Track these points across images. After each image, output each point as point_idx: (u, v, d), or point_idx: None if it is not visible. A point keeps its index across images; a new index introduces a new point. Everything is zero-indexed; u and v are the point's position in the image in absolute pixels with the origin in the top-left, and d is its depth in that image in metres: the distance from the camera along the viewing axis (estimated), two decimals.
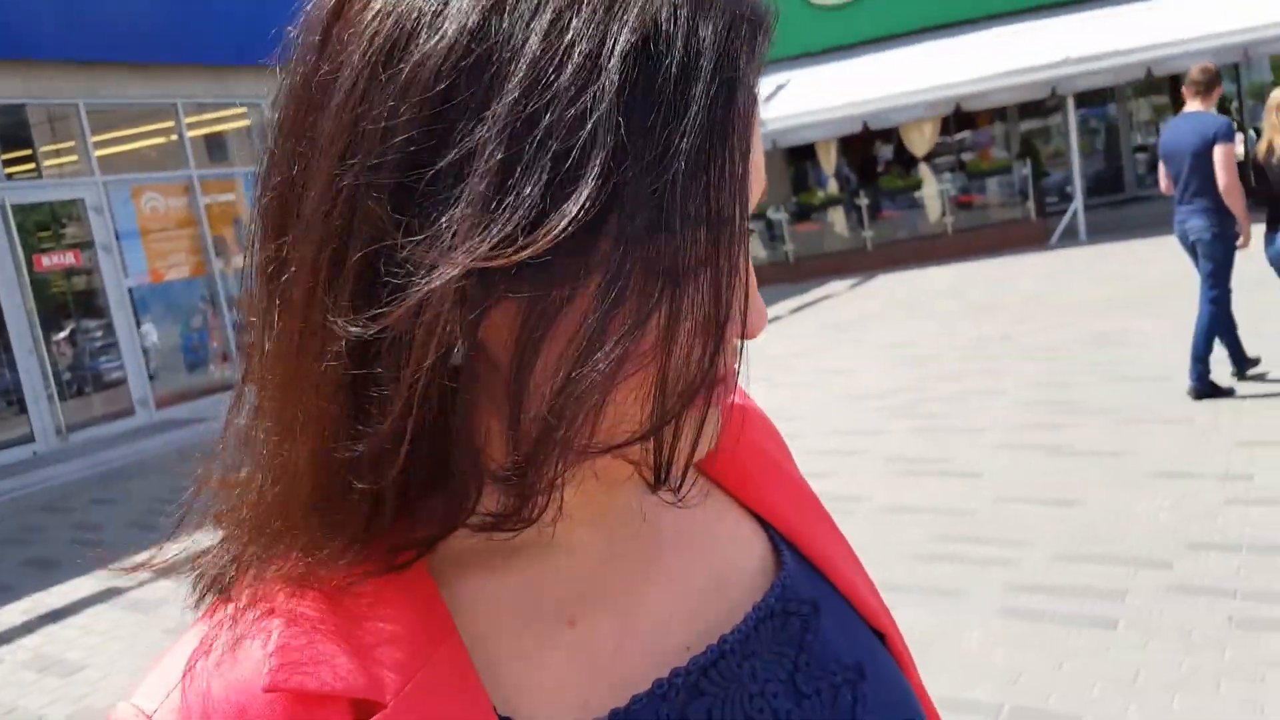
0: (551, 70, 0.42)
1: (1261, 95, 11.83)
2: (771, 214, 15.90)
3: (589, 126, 0.42)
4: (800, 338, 10.27)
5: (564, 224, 0.42)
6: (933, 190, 15.64)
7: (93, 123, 10.29)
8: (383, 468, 0.47)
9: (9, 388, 9.54)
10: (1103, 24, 13.72)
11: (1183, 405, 5.62)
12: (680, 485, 0.51)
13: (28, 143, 10.27)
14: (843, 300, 12.79)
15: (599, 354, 0.43)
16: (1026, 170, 14.87)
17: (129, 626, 5.09)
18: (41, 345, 9.69)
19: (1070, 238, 13.86)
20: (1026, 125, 18.03)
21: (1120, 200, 17.22)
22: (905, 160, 16.71)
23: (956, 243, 14.76)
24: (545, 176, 0.42)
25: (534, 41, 0.43)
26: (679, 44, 0.44)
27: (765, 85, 15.26)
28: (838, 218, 16.30)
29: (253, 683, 0.49)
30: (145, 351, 10.66)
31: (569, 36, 0.43)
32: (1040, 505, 4.58)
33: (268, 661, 0.49)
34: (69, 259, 10.20)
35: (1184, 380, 5.85)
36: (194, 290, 11.36)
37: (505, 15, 0.44)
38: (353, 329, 0.44)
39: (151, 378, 10.68)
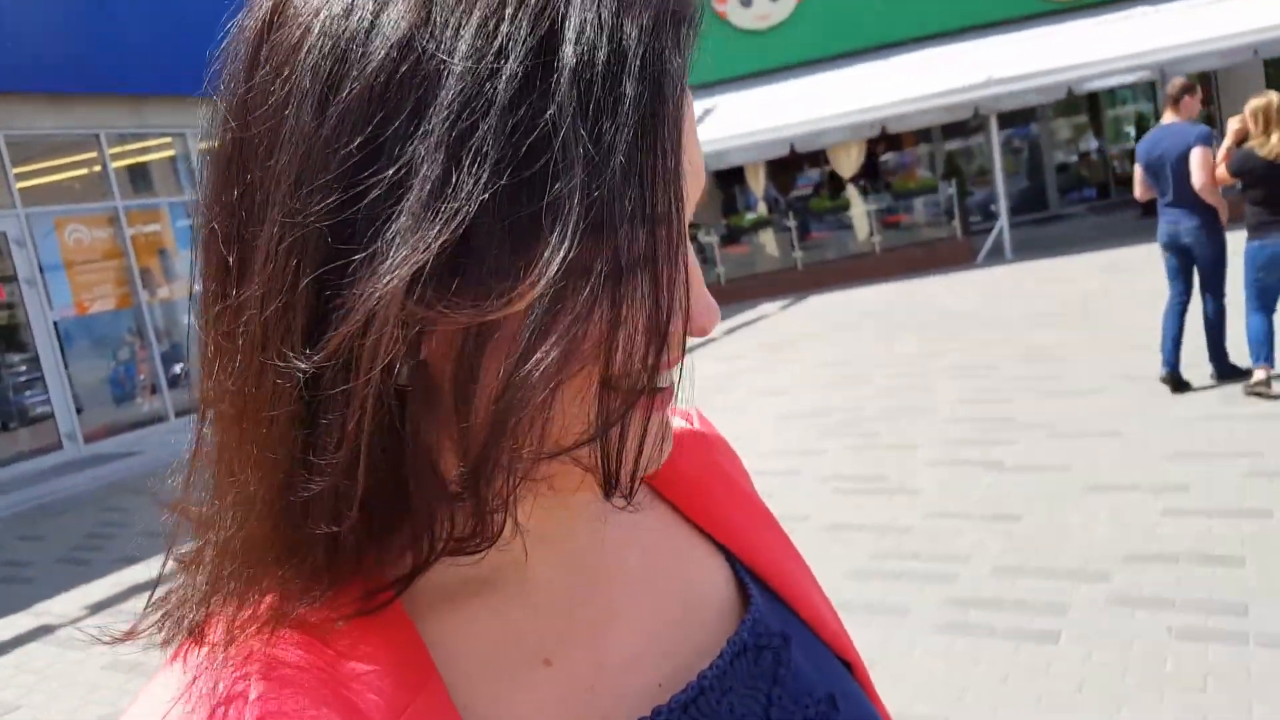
0: (484, 79, 0.42)
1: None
2: (702, 236, 16.05)
3: (522, 133, 0.42)
4: (734, 358, 10.35)
5: (501, 230, 0.42)
6: (860, 210, 15.93)
7: (13, 154, 10.08)
8: (340, 506, 0.46)
9: None
10: (1024, 46, 14.17)
11: (1114, 419, 5.77)
12: (631, 492, 0.50)
13: None
14: (775, 321, 12.93)
15: (538, 355, 0.43)
16: (952, 190, 15.23)
17: (65, 663, 4.96)
18: None
19: (996, 256, 14.20)
20: (951, 145, 18.48)
21: (1044, 218, 17.72)
22: (833, 182, 17.01)
23: (885, 262, 15.03)
24: (482, 185, 0.42)
25: (463, 50, 0.43)
26: (605, 43, 0.44)
27: (694, 109, 15.61)
28: (768, 239, 16.52)
29: None
30: (71, 385, 10.44)
31: (497, 43, 0.43)
32: (978, 520, 4.65)
33: (252, 706, 0.47)
34: None
35: (1115, 394, 6.01)
36: (121, 322, 11.18)
37: (432, 27, 0.43)
38: (298, 362, 0.44)
39: (79, 411, 10.48)
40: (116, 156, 11.11)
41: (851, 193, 16.22)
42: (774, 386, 8.60)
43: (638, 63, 0.44)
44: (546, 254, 0.42)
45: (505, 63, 0.43)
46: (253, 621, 0.50)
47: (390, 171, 0.42)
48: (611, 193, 0.43)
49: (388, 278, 0.42)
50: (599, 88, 0.43)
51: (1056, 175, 18.69)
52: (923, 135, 17.68)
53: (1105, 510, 4.48)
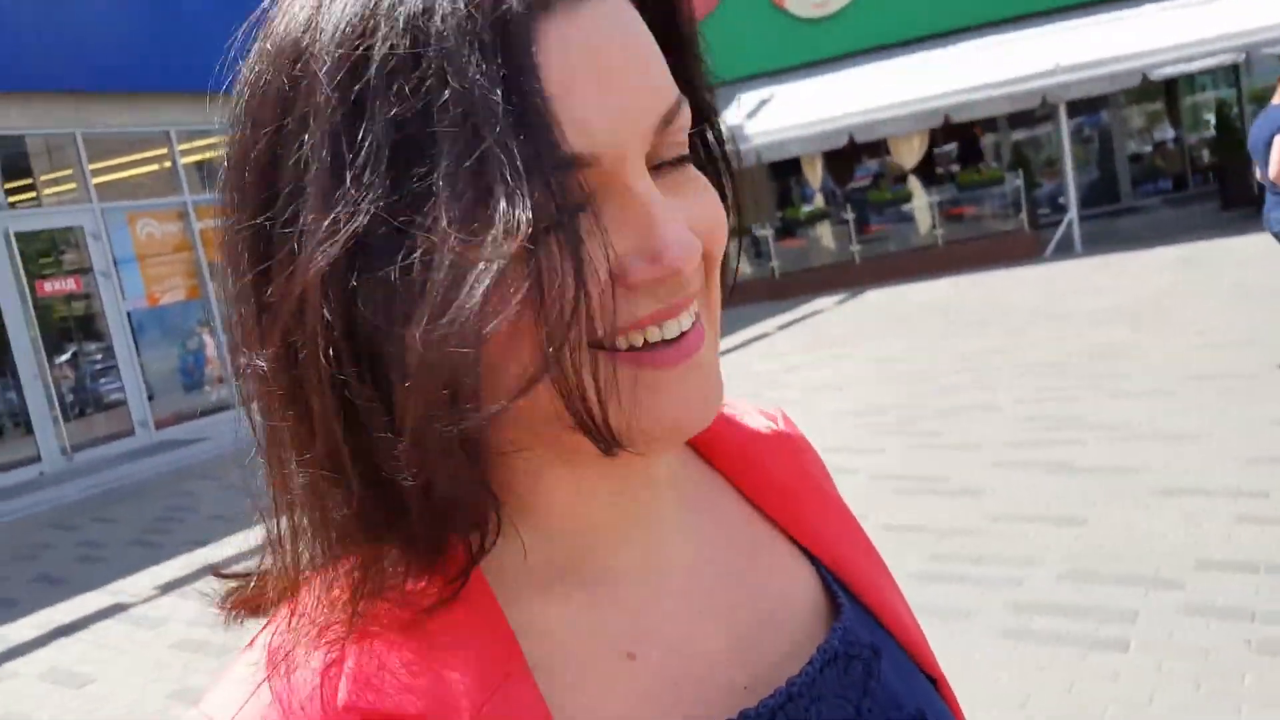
0: (352, 72, 0.45)
1: (1263, 99, 11.79)
2: (757, 230, 15.91)
3: (389, 121, 0.45)
4: (788, 354, 10.26)
5: (400, 197, 0.44)
6: (922, 203, 15.68)
7: (89, 151, 10.45)
8: (352, 489, 0.49)
9: (15, 410, 9.81)
10: (1094, 31, 13.79)
11: (1188, 420, 5.60)
12: (616, 446, 0.49)
13: (28, 172, 10.50)
14: (830, 316, 12.79)
15: (448, 316, 0.44)
16: (1019, 181, 14.91)
17: (136, 641, 5.13)
18: (45, 369, 9.89)
19: (1065, 250, 13.89)
20: (1018, 135, 18.10)
21: (1116, 210, 17.27)
22: (894, 174, 16.77)
23: (947, 256, 14.78)
24: (385, 162, 0.44)
25: (332, 44, 0.46)
26: (449, 10, 0.45)
27: (748, 101, 15.45)
28: (824, 232, 16.33)
29: (328, 700, 0.49)
30: (143, 373, 10.80)
31: (364, 44, 0.45)
32: (1044, 524, 4.55)
33: (343, 680, 0.49)
34: (70, 284, 10.44)
35: (1189, 394, 5.83)
36: (190, 313, 11.58)
37: (314, 28, 0.47)
38: (258, 360, 0.48)
39: (150, 399, 10.82)
40: (186, 152, 11.43)
41: (913, 184, 15.96)
42: (829, 383, 8.51)
43: (485, 18, 0.45)
44: (442, 224, 0.44)
45: (371, 54, 0.45)
46: (339, 600, 0.51)
47: (291, 168, 0.47)
48: (492, 146, 0.43)
49: (305, 270, 0.45)
50: (451, 54, 0.44)
51: (1130, 166, 18.20)
52: (988, 125, 17.34)
53: (1178, 515, 4.36)
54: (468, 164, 0.44)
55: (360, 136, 0.45)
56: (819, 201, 16.78)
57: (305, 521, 0.51)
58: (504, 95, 0.44)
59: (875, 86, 14.52)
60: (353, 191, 0.45)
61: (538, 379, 0.46)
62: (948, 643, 3.59)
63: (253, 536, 0.56)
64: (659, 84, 0.50)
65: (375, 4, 0.46)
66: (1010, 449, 5.73)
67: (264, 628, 0.54)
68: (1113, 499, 4.69)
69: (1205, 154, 17.61)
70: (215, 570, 0.57)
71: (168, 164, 11.29)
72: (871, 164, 17.94)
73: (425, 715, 0.48)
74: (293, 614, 0.53)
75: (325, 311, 0.46)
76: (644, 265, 0.48)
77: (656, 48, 0.51)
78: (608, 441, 0.49)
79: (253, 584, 0.55)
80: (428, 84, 0.44)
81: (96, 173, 10.54)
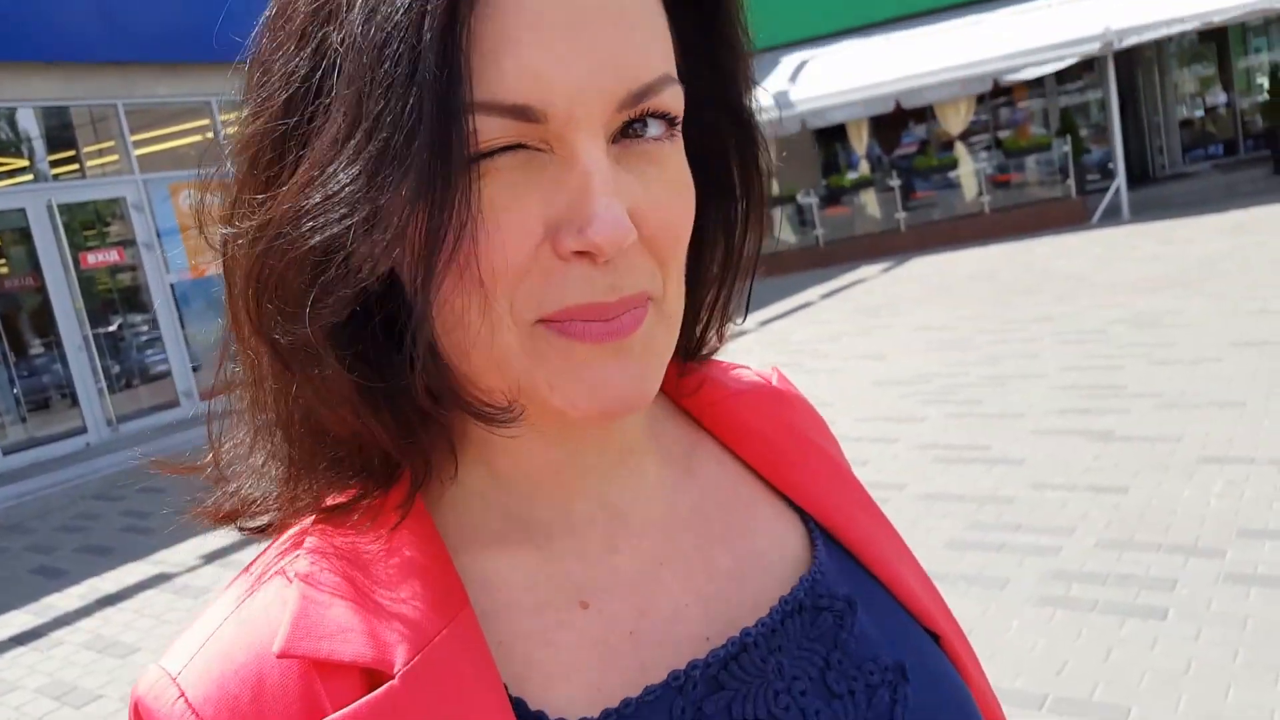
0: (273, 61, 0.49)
1: None
2: (801, 198, 15.74)
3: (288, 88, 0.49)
4: (831, 323, 10.18)
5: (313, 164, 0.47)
6: (969, 169, 15.41)
7: (131, 122, 10.51)
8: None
9: (61, 382, 9.91)
10: None
11: (1233, 388, 5.49)
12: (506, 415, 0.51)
13: (71, 143, 10.55)
14: (875, 284, 12.66)
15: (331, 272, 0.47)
16: (1066, 147, 14.59)
17: (179, 610, 5.23)
18: (90, 341, 9.99)
19: (1113, 216, 13.62)
20: (1066, 100, 17.70)
21: (1166, 176, 16.87)
22: (940, 140, 16.48)
23: (994, 223, 14.55)
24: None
25: (266, 44, 0.51)
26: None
27: (787, 64, 15.27)
28: (869, 200, 16.10)
29: (269, 648, 0.50)
30: (187, 344, 10.94)
31: (287, 41, 0.49)
32: (1083, 492, 4.49)
33: (284, 628, 0.50)
34: (113, 256, 10.51)
35: (1234, 362, 5.70)
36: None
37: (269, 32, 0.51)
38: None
39: (195, 370, 10.96)
40: (228, 123, 11.46)
41: (960, 150, 15.68)
42: (872, 351, 8.44)
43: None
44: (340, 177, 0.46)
45: (302, 51, 0.48)
46: (301, 534, 0.54)
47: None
48: (395, 129, 0.44)
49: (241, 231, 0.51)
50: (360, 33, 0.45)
51: (1180, 131, 17.73)
52: (1035, 90, 16.96)
53: (1220, 483, 4.28)
54: (367, 114, 0.45)
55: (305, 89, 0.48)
56: (864, 168, 16.54)
57: (264, 460, 0.55)
58: (419, 41, 0.44)
59: (922, 51, 14.25)
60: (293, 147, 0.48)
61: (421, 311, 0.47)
62: (985, 610, 3.57)
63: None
64: (637, 57, 0.48)
65: None
66: (1052, 417, 5.66)
67: (229, 582, 0.56)
68: (1155, 467, 4.61)
69: (1258, 118, 17.10)
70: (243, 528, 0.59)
71: (210, 135, 11.35)
72: (918, 130, 17.63)
73: (361, 660, 0.49)
74: (240, 574, 0.55)
75: (258, 269, 0.49)
76: (572, 235, 0.47)
77: (656, 22, 0.50)
78: (519, 395, 0.51)
79: (221, 492, 0.60)
80: (354, 33, 0.45)
81: (139, 144, 10.60)
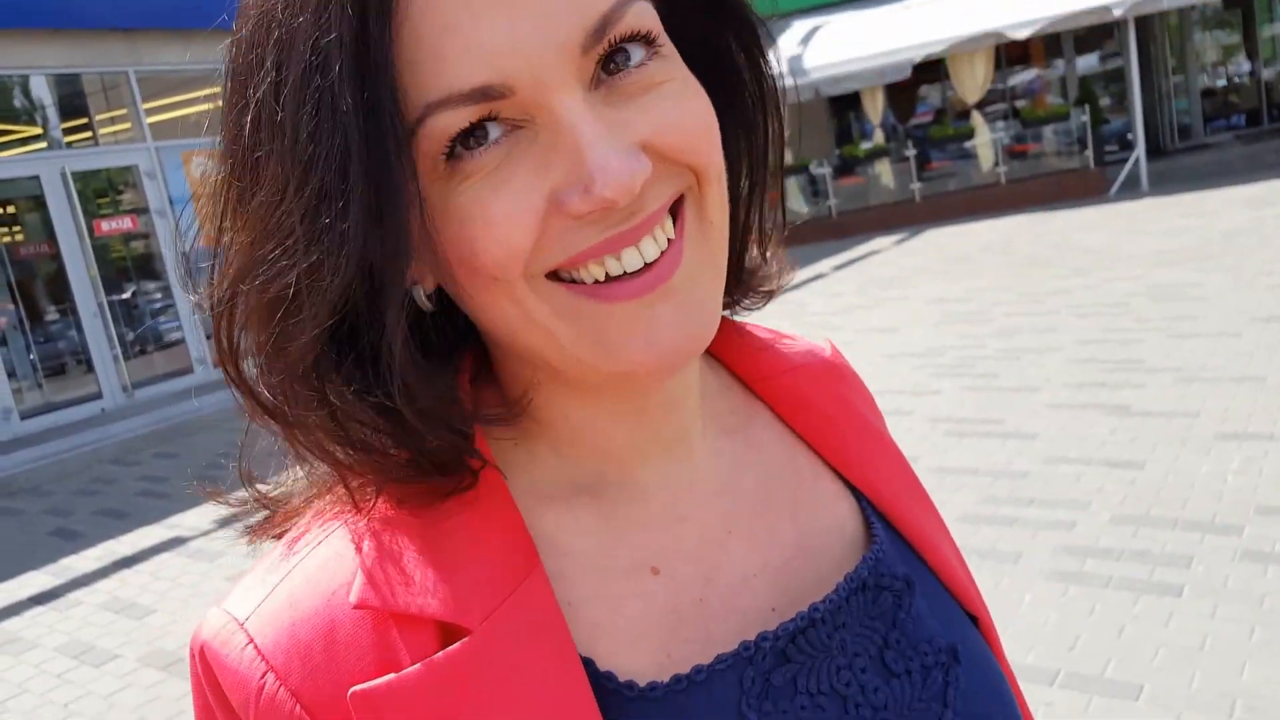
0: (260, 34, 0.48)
1: None
2: (814, 168, 15.59)
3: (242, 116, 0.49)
4: (843, 295, 10.12)
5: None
6: (985, 139, 15.23)
7: (143, 90, 10.51)
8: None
9: (77, 349, 10.01)
10: None
11: (1252, 364, 5.43)
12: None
13: (84, 111, 10.60)
14: (889, 255, 12.57)
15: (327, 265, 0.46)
16: (1085, 117, 14.40)
17: (194, 574, 5.29)
18: (105, 308, 10.06)
19: (1132, 188, 13.46)
20: (1085, 68, 17.46)
21: (1187, 147, 16.65)
22: (956, 109, 16.29)
23: (1010, 194, 14.40)
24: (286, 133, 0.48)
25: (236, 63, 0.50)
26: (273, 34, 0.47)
27: (799, 29, 15.08)
28: (884, 170, 15.94)
29: (342, 598, 0.50)
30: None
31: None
32: (1099, 467, 4.46)
33: (358, 578, 0.50)
34: (126, 224, 10.57)
35: (1253, 337, 5.64)
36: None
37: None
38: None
39: (208, 337, 11.02)
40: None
41: (976, 120, 15.49)
42: (885, 324, 8.39)
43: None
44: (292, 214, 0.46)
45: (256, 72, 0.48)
46: (356, 494, 0.53)
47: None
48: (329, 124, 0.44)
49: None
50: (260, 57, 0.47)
51: (1202, 101, 17.48)
52: (1053, 58, 16.72)
53: (1238, 460, 4.24)
54: (314, 124, 0.45)
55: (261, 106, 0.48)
56: (879, 138, 16.36)
57: (322, 435, 0.52)
58: (350, 54, 0.44)
59: (940, 15, 14.04)
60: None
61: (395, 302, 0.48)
62: (998, 584, 3.56)
63: (301, 472, 0.58)
64: None
65: None
66: (1068, 391, 5.62)
67: (285, 535, 0.56)
68: (1171, 442, 4.57)
69: None
70: (258, 497, 0.59)
71: (220, 103, 11.36)
72: (934, 99, 17.43)
73: (436, 616, 0.49)
74: (310, 520, 0.55)
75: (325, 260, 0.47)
76: (578, 197, 0.46)
77: None
78: (577, 368, 0.50)
79: (276, 511, 0.58)
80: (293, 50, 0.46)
81: (150, 111, 10.61)
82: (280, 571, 0.53)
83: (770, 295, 0.67)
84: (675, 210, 0.51)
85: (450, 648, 0.49)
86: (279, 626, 0.51)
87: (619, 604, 0.55)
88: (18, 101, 9.98)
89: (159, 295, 10.79)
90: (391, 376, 0.48)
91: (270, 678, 0.50)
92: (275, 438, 0.55)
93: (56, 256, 9.82)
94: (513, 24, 0.45)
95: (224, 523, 6.12)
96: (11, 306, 9.60)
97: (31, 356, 9.76)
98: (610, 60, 0.48)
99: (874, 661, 0.58)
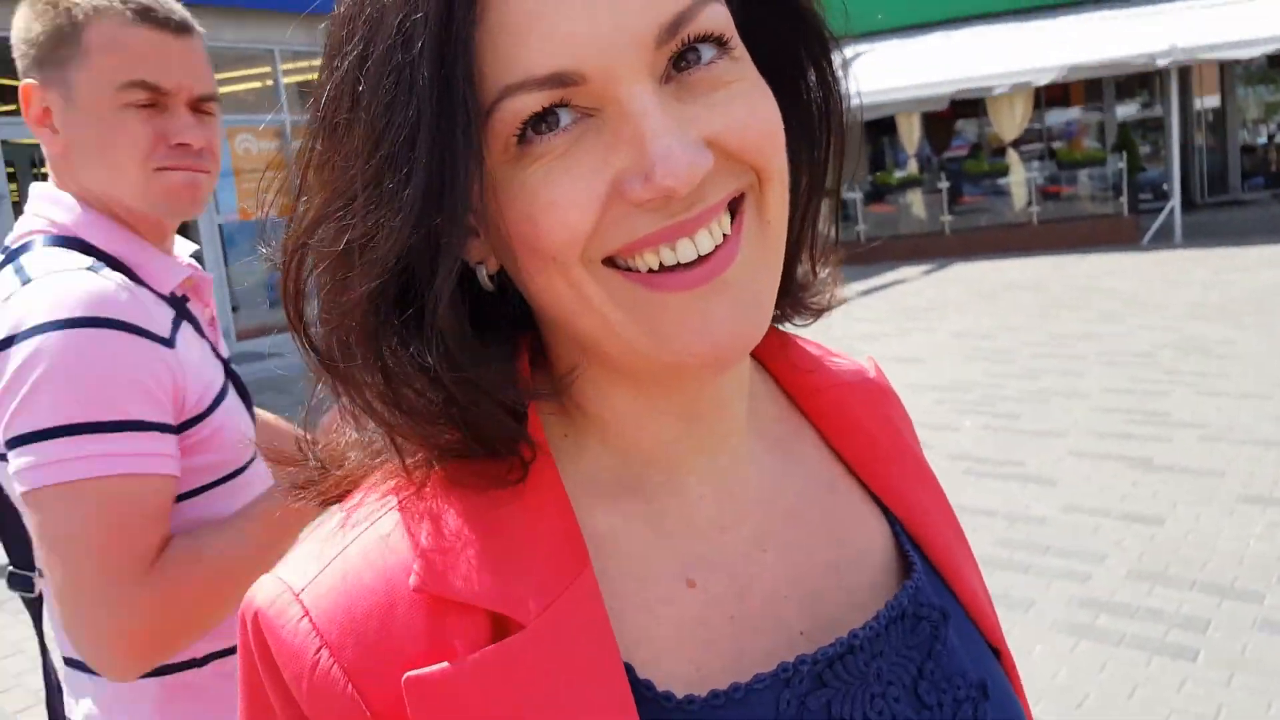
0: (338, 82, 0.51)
1: None
2: (845, 192, 15.49)
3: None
4: (867, 322, 10.05)
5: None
6: (1019, 177, 15.16)
7: None
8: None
9: None
10: (1211, 12, 13.05)
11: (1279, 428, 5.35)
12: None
13: None
14: (916, 286, 12.50)
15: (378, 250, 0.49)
16: (1121, 164, 14.32)
17: None
18: None
19: (1164, 238, 13.35)
20: (1124, 114, 17.38)
21: (1223, 202, 16.53)
22: (993, 145, 16.22)
23: (1041, 234, 14.33)
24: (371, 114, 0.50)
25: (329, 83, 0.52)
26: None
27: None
28: (915, 200, 15.88)
29: (400, 580, 0.50)
30: (230, 285, 11.07)
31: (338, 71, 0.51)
32: (1118, 519, 4.40)
33: (416, 562, 0.51)
34: None
35: None
36: (281, 230, 11.77)
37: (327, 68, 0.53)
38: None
39: (235, 310, 11.10)
40: (289, 73, 11.57)
41: (1012, 157, 15.42)
42: (909, 354, 8.33)
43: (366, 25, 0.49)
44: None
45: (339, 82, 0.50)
46: (412, 469, 0.53)
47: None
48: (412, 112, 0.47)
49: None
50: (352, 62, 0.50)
51: (1241, 157, 17.36)
52: (1093, 103, 16.64)
53: (1261, 525, 4.17)
54: (400, 113, 0.47)
55: (360, 88, 0.49)
56: (913, 167, 16.30)
57: (383, 413, 0.53)
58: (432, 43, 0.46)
59: (980, 51, 13.99)
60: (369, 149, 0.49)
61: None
62: (1008, 632, 3.45)
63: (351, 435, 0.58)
64: None
65: None
66: (1092, 439, 5.55)
67: (339, 508, 0.56)
68: (1193, 501, 4.51)
69: None
70: (304, 445, 0.59)
71: (270, 82, 11.46)
72: (970, 133, 17.37)
73: (492, 607, 0.50)
74: (366, 494, 0.55)
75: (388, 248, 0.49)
76: (639, 184, 0.48)
77: None
78: (630, 356, 0.52)
79: (328, 479, 0.58)
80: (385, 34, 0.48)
81: None
82: (338, 545, 0.53)
83: (820, 312, 0.68)
84: (735, 208, 0.52)
85: (505, 640, 0.49)
86: (335, 602, 0.51)
87: (656, 612, 0.55)
88: None
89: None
90: (433, 337, 0.49)
91: (324, 654, 0.50)
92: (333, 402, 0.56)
93: None
94: (592, 15, 0.46)
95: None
96: None
97: None
98: (682, 58, 0.49)
99: (907, 692, 0.58)
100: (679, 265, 0.50)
